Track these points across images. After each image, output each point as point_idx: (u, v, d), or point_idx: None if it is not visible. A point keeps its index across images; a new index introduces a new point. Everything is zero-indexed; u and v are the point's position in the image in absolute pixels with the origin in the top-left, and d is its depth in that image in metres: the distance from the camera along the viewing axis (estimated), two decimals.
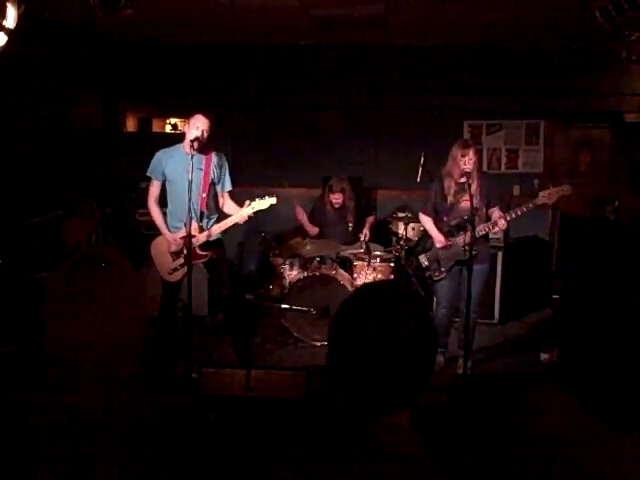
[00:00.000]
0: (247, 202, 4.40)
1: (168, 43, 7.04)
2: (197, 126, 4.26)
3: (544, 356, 4.93)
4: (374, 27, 6.10)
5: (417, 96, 7.14)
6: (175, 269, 4.45)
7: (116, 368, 1.37)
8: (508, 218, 4.41)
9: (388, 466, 1.10)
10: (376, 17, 5.69)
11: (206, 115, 4.34)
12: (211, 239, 4.44)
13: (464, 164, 4.41)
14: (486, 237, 4.66)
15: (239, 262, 6.96)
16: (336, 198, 5.85)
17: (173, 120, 8.20)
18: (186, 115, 4.57)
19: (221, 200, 4.57)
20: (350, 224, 5.97)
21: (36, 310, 4.32)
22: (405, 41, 6.78)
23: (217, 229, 4.44)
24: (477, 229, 4.39)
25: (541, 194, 4.35)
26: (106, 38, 6.70)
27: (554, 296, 6.36)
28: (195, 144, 4.21)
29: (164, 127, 8.32)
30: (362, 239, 5.84)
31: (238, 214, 4.40)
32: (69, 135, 6.60)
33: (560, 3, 4.97)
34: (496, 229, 4.53)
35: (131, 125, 7.98)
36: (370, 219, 6.06)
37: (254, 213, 4.40)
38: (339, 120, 7.35)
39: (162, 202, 4.59)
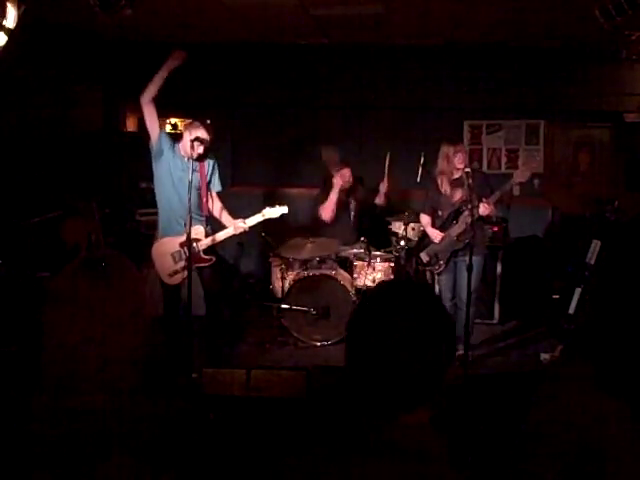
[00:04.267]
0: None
1: (168, 43, 7.03)
2: (198, 136, 4.26)
3: (544, 356, 4.94)
4: (374, 27, 6.10)
5: (417, 96, 7.15)
6: (176, 272, 4.45)
7: (117, 376, 1.37)
8: (490, 201, 4.54)
9: (406, 465, 1.10)
10: (376, 17, 5.69)
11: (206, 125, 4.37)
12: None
13: (457, 161, 4.61)
14: (483, 219, 4.78)
15: (239, 262, 6.96)
16: (347, 174, 5.84)
17: (173, 120, 8.19)
18: (186, 115, 4.60)
19: (210, 201, 4.55)
20: (352, 220, 5.98)
21: (36, 310, 4.32)
22: (405, 41, 6.77)
23: (223, 235, 4.44)
24: (463, 217, 4.61)
25: (515, 173, 4.64)
26: (106, 38, 6.70)
27: (554, 296, 6.36)
28: (196, 144, 4.22)
29: (164, 127, 8.32)
30: (380, 200, 5.80)
31: (246, 221, 4.43)
32: (69, 135, 6.60)
33: (560, 3, 4.97)
34: (484, 212, 4.60)
35: (131, 125, 7.97)
36: (384, 185, 5.94)
37: (269, 219, 4.45)
38: (339, 120, 7.35)
39: (153, 204, 4.60)
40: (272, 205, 4.47)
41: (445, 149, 4.73)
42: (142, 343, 1.42)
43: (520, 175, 4.59)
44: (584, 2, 4.53)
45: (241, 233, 4.53)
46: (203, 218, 4.41)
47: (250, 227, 4.52)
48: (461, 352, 4.58)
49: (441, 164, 4.78)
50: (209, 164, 4.51)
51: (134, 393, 1.38)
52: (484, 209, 4.51)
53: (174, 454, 1.36)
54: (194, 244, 4.33)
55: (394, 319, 1.17)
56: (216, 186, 4.58)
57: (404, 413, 1.18)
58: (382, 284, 1.34)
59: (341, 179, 5.78)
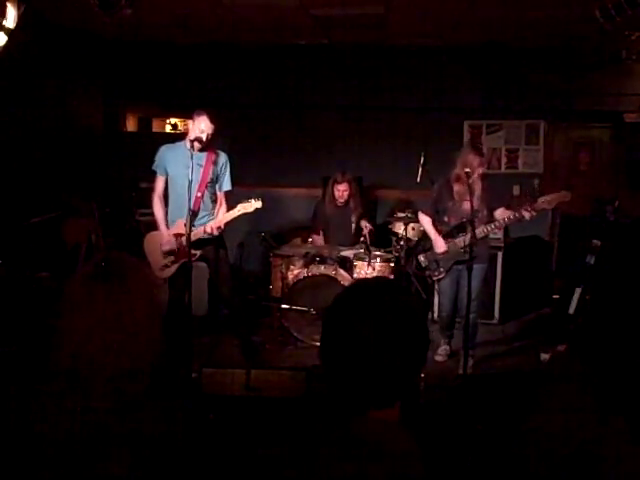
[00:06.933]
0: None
1: (168, 43, 7.04)
2: (201, 128, 4.24)
3: (544, 356, 4.93)
4: (374, 27, 6.10)
5: (417, 96, 7.15)
6: (166, 265, 4.45)
7: (128, 381, 1.36)
8: (510, 217, 4.43)
9: (372, 463, 1.10)
10: (376, 17, 5.70)
11: (210, 116, 4.32)
12: (208, 237, 4.43)
13: (477, 173, 4.42)
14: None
15: (239, 262, 6.96)
16: (342, 189, 5.80)
17: (173, 120, 8.20)
18: (186, 115, 4.58)
19: (202, 199, 4.48)
20: (353, 224, 5.96)
21: (36, 310, 4.32)
22: (405, 41, 6.78)
23: (201, 230, 4.40)
24: (477, 230, 4.39)
25: (540, 200, 4.37)
26: (106, 38, 6.70)
27: (554, 296, 6.36)
28: (195, 144, 4.21)
29: (164, 127, 8.33)
30: (364, 231, 5.80)
31: (222, 216, 4.41)
32: (69, 135, 6.61)
33: (560, 3, 4.98)
34: (497, 228, 4.56)
35: (131, 125, 7.98)
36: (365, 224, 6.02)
37: (244, 214, 4.40)
38: (339, 120, 7.35)
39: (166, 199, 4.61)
40: (247, 200, 4.43)
41: (470, 158, 4.45)
42: (158, 347, 1.42)
43: (546, 203, 4.33)
44: (584, 2, 4.54)
45: (235, 226, 4.52)
46: (189, 213, 4.37)
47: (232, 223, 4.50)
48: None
49: (460, 170, 4.48)
50: (220, 162, 4.48)
51: (136, 394, 1.38)
52: (529, 215, 4.31)
53: (174, 454, 1.35)
54: (178, 239, 4.36)
55: (369, 316, 1.18)
56: (225, 186, 4.55)
57: (373, 410, 1.18)
58: (357, 282, 1.38)
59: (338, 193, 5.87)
